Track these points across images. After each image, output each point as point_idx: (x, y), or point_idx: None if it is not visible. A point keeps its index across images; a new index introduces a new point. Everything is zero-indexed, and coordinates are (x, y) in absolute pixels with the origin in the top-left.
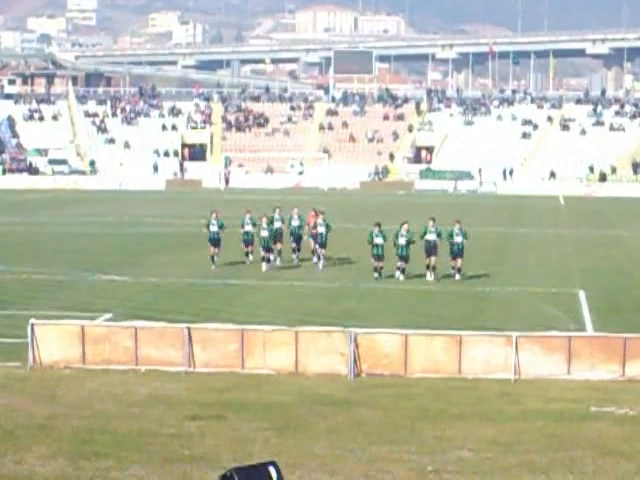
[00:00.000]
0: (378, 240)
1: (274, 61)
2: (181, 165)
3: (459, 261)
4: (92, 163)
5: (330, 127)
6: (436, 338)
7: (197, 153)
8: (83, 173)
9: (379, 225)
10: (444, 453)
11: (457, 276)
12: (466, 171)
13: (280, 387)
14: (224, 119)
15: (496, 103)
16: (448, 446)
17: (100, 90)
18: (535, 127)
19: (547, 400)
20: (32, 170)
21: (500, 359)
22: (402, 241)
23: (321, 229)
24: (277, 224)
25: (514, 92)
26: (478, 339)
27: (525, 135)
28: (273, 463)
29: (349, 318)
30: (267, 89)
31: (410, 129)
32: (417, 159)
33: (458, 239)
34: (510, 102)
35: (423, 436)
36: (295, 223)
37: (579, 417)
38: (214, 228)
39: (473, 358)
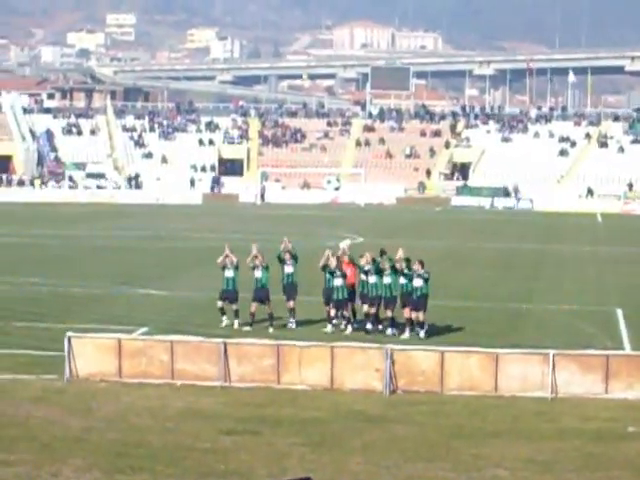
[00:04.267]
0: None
1: (311, 77)
2: (217, 180)
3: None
4: (135, 177)
5: (367, 143)
6: (472, 355)
7: (234, 168)
8: (120, 187)
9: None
10: (480, 471)
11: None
12: (503, 187)
13: (315, 403)
14: (261, 134)
15: (533, 120)
16: (484, 464)
17: (138, 105)
18: (573, 144)
19: (584, 419)
20: (70, 184)
21: (536, 377)
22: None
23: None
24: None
25: (551, 109)
26: (514, 357)
27: (563, 152)
28: (308, 479)
29: (385, 335)
30: (304, 105)
31: (447, 145)
32: (454, 175)
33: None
34: (547, 119)
35: (459, 454)
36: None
37: (616, 437)
38: (229, 273)
39: (509, 376)
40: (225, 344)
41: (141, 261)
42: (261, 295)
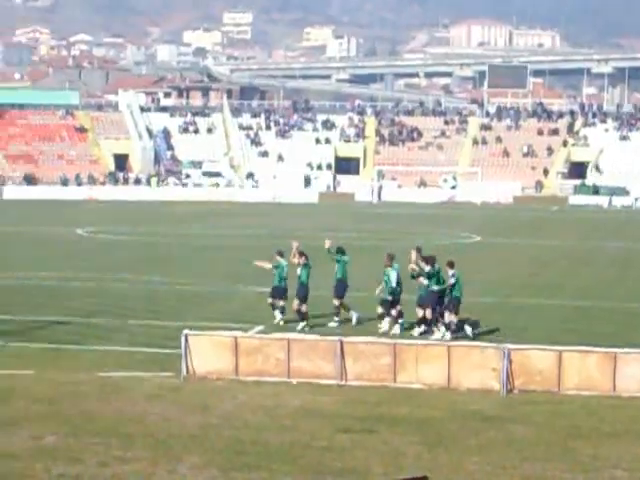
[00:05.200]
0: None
1: (428, 75)
2: (334, 178)
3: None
4: (251, 175)
5: (484, 141)
6: (590, 355)
7: (350, 167)
8: (237, 186)
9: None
10: (598, 472)
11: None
12: (621, 187)
13: (432, 402)
14: (377, 133)
15: None
16: (601, 465)
17: (254, 103)
18: None
19: None
20: (186, 182)
21: None
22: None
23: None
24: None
25: None
26: (633, 357)
27: None
28: (424, 478)
29: (501, 333)
30: (421, 103)
31: (564, 144)
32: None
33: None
34: None
35: (576, 454)
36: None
37: None
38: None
39: (628, 376)
40: (342, 342)
41: (256, 259)
42: (300, 292)
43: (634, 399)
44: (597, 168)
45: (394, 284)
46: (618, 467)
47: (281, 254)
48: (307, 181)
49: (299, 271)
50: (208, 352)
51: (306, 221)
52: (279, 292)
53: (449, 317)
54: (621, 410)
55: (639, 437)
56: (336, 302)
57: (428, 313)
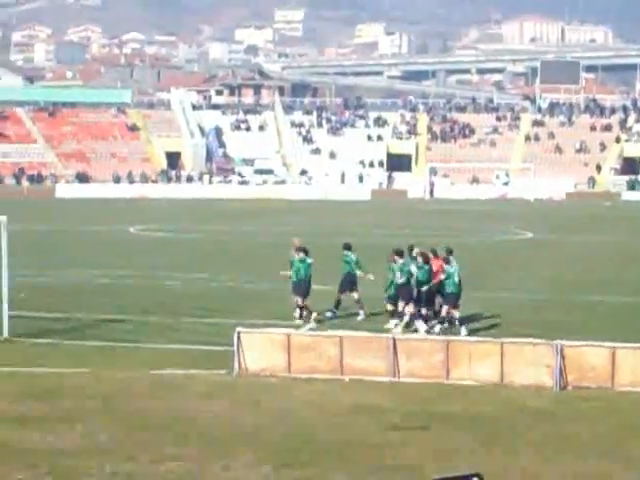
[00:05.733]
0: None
1: (480, 71)
2: (389, 176)
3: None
4: (303, 173)
5: (536, 138)
6: None
7: (402, 163)
8: (289, 183)
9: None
10: None
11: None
12: None
13: (485, 398)
14: (429, 129)
15: None
16: None
17: (306, 101)
18: None
19: None
20: (239, 179)
21: None
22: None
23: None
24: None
25: None
26: None
27: None
28: (477, 475)
29: (554, 330)
30: (473, 99)
31: (617, 140)
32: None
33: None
34: None
35: (630, 451)
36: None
37: None
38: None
39: None
40: (394, 339)
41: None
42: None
43: None
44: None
45: (399, 280)
46: None
47: (400, 253)
48: (360, 178)
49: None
50: (261, 349)
51: (358, 218)
52: (347, 286)
53: (446, 310)
54: None
55: None
56: (355, 295)
57: (401, 306)
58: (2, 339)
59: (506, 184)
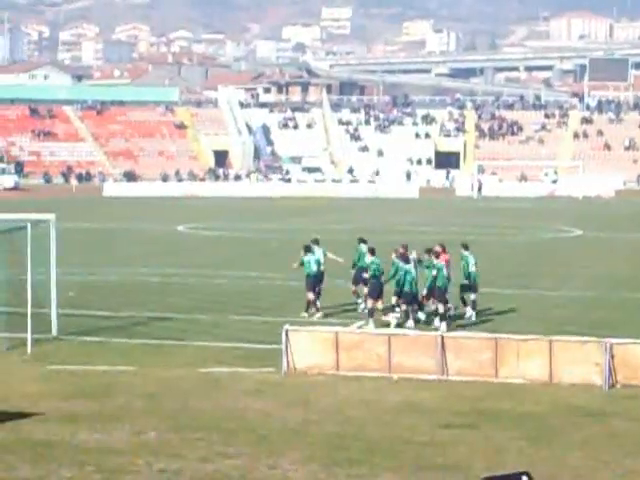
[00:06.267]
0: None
1: (528, 69)
2: (447, 174)
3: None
4: (351, 170)
5: (585, 135)
6: None
7: (450, 161)
8: (337, 181)
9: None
10: None
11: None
12: None
13: (533, 397)
14: (477, 127)
15: None
16: None
17: (354, 98)
18: None
19: None
20: (287, 177)
21: None
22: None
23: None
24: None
25: None
26: None
27: None
28: (526, 473)
29: (603, 328)
30: (521, 97)
31: None
32: None
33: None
34: None
35: None
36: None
37: None
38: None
39: None
40: (442, 337)
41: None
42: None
43: None
44: None
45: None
46: None
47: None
48: (408, 176)
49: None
50: (309, 347)
51: (406, 216)
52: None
53: (434, 305)
54: None
55: None
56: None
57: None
58: (51, 337)
59: (554, 182)
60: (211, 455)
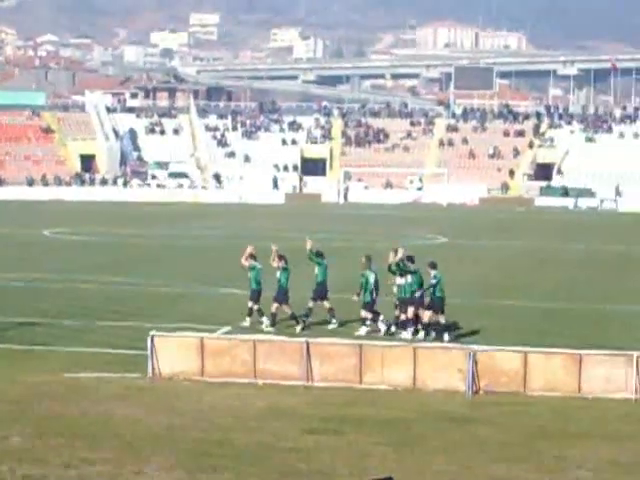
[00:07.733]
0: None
1: (394, 76)
2: (300, 179)
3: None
4: (217, 176)
5: (450, 143)
6: (556, 356)
7: (316, 168)
8: (203, 187)
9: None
10: (563, 472)
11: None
12: (587, 188)
13: (398, 403)
14: (344, 134)
15: (618, 120)
16: (567, 465)
17: (221, 104)
18: None
19: None
20: (152, 183)
21: (621, 379)
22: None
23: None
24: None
25: (637, 109)
26: (598, 358)
27: None
28: (390, 478)
29: (468, 335)
30: (387, 104)
31: (530, 145)
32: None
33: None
34: (632, 119)
35: (541, 455)
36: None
37: None
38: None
39: (593, 377)
40: (308, 344)
41: (223, 260)
42: (278, 295)
43: (599, 400)
44: (559, 170)
45: (373, 286)
46: (583, 467)
47: (283, 257)
48: (274, 182)
49: (278, 274)
50: (174, 353)
51: (273, 222)
52: (255, 295)
53: (429, 317)
54: (586, 411)
55: (604, 438)
56: (310, 304)
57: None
58: None
59: (420, 189)
60: (75, 461)
